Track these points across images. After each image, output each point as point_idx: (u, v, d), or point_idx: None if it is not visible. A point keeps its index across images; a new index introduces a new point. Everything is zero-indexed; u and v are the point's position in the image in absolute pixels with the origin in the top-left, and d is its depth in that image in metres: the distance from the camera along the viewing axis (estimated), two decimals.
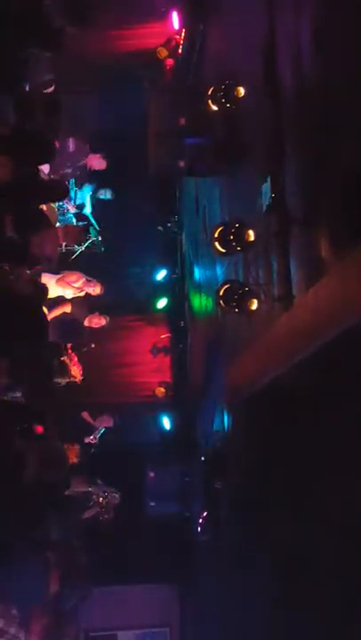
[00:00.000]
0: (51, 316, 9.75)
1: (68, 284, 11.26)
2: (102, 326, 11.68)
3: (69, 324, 10.54)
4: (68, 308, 10.72)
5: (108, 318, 11.70)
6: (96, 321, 11.49)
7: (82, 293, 11.46)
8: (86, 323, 11.22)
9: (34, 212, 6.17)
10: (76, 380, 11.17)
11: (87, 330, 11.36)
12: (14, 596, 5.91)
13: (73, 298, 11.24)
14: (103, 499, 10.46)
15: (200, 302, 11.29)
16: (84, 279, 11.44)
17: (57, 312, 10.50)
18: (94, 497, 10.53)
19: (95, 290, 11.55)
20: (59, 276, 11.15)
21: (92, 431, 11.65)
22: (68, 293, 11.35)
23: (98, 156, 12.27)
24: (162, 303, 13.65)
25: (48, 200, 9.38)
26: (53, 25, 7.58)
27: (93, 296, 11.65)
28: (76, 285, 11.35)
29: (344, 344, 4.10)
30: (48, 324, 7.29)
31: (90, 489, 10.37)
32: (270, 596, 6.50)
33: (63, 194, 9.47)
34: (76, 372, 11.16)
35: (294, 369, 5.18)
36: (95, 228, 12.78)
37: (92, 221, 12.78)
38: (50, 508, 6.69)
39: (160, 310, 13.76)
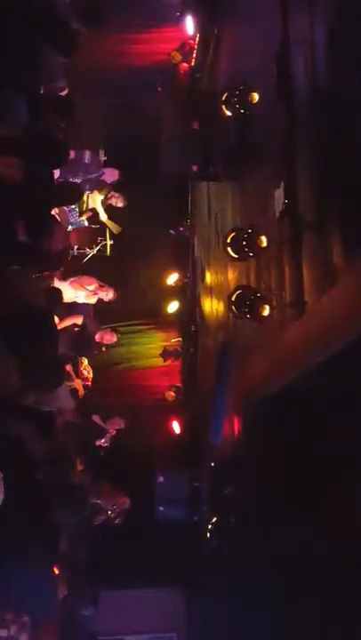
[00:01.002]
0: (60, 326, 9.77)
1: (82, 285, 11.29)
2: (113, 343, 11.76)
3: (80, 337, 10.56)
4: (78, 320, 10.75)
5: (119, 335, 11.76)
6: (108, 337, 11.58)
7: (94, 298, 11.50)
8: (97, 338, 11.25)
9: (45, 216, 6.17)
10: (79, 393, 11.23)
11: (98, 345, 11.40)
12: (25, 601, 5.91)
13: (84, 307, 11.29)
14: (112, 512, 10.46)
15: (211, 307, 11.28)
16: (97, 284, 11.48)
17: (67, 323, 10.52)
18: (103, 510, 10.53)
19: (108, 295, 11.60)
20: (73, 279, 11.19)
21: (104, 434, 11.67)
22: (81, 296, 11.38)
23: (111, 169, 12.31)
24: (173, 307, 13.66)
25: (60, 204, 9.40)
26: (69, 29, 7.58)
27: (105, 301, 11.69)
28: (89, 288, 11.38)
29: (356, 350, 4.09)
30: (58, 333, 7.29)
31: (99, 501, 10.37)
32: (278, 601, 6.48)
33: (76, 197, 9.48)
34: (79, 385, 11.22)
35: (306, 375, 5.16)
36: (114, 232, 12.81)
37: (111, 226, 12.81)
38: (61, 511, 6.68)
39: (171, 314, 13.78)
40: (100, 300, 11.65)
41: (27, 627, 5.67)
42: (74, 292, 11.28)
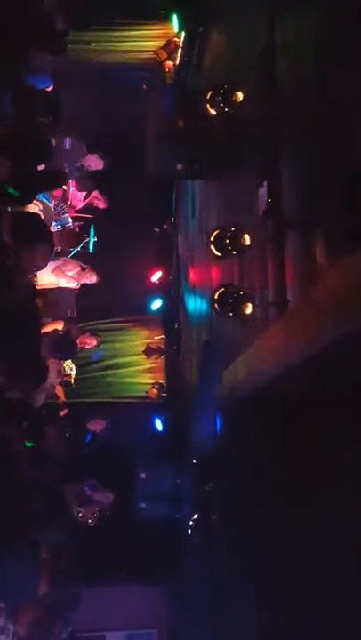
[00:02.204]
0: (43, 330, 9.79)
1: (64, 272, 11.30)
2: (94, 347, 11.79)
3: (62, 341, 10.57)
4: (60, 326, 10.76)
5: (99, 338, 11.78)
6: (89, 341, 11.59)
7: (76, 283, 11.51)
8: (79, 342, 11.27)
9: (31, 216, 6.17)
10: (59, 399, 11.25)
11: (79, 349, 11.41)
12: (5, 592, 5.92)
13: (67, 302, 11.30)
14: (92, 520, 10.48)
15: (195, 304, 11.30)
16: (79, 268, 11.50)
17: (48, 328, 10.53)
18: (85, 517, 10.53)
19: (91, 279, 11.61)
20: (55, 265, 11.18)
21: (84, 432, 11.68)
22: (62, 282, 11.39)
23: (95, 156, 12.31)
24: (157, 304, 13.68)
25: (45, 189, 9.38)
26: (54, 27, 7.59)
27: (89, 284, 11.69)
28: (70, 274, 11.39)
29: (338, 350, 4.11)
30: (41, 335, 7.30)
31: (80, 509, 10.38)
32: (260, 599, 6.51)
33: (60, 181, 9.47)
34: (60, 391, 11.24)
35: (288, 373, 5.19)
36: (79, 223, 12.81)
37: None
38: (45, 507, 6.70)
39: (155, 312, 13.79)
40: (83, 286, 11.67)
41: (2, 611, 5.70)
42: (55, 278, 11.29)
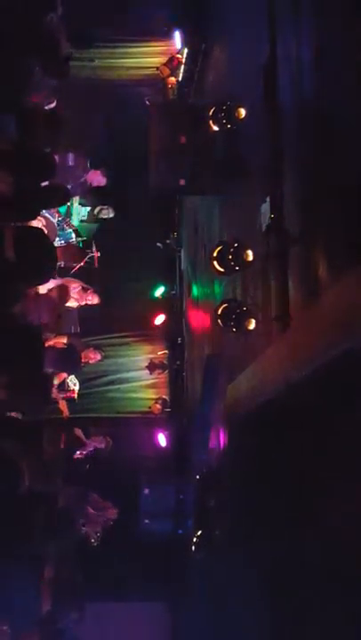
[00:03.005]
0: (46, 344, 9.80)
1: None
2: (98, 361, 11.78)
3: (66, 353, 10.58)
4: (63, 340, 10.78)
5: (103, 353, 11.78)
6: (92, 355, 11.59)
7: (77, 303, 11.52)
8: (82, 357, 11.27)
9: (35, 231, 6.19)
10: (63, 414, 11.24)
11: (82, 364, 11.41)
12: (7, 612, 5.90)
13: (70, 319, 11.32)
14: (95, 540, 10.45)
15: (198, 320, 11.30)
16: (80, 288, 11.49)
17: (52, 342, 10.54)
18: (87, 533, 10.51)
19: (93, 300, 11.62)
20: (57, 282, 11.18)
21: (82, 447, 11.64)
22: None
23: (98, 172, 12.34)
24: (160, 319, 13.67)
25: (47, 205, 9.40)
26: (59, 51, 7.64)
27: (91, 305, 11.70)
28: (73, 296, 11.40)
29: (340, 365, 4.11)
30: (44, 349, 7.30)
31: (84, 528, 10.35)
32: (264, 616, 6.48)
33: (62, 198, 9.49)
34: (64, 406, 11.23)
35: (291, 389, 5.19)
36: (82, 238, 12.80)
37: (82, 232, 12.79)
38: (45, 523, 6.68)
39: (158, 327, 13.79)
40: (85, 305, 11.68)
41: (6, 636, 5.68)
42: None
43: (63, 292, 10.46)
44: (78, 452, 11.56)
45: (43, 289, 10.43)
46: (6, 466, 5.81)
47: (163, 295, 13.80)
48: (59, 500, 8.40)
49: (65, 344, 10.79)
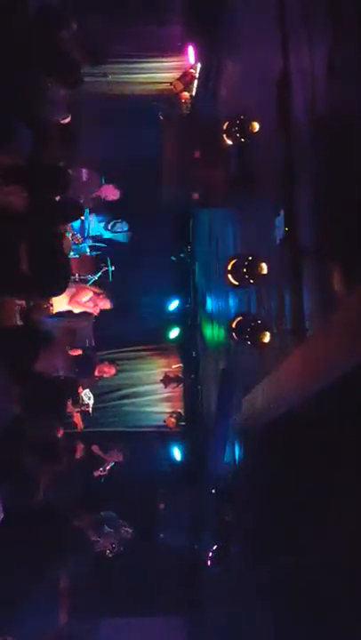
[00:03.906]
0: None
1: (79, 303, 11.36)
2: (112, 375, 11.81)
3: (81, 359, 10.62)
4: (79, 350, 10.83)
5: (117, 367, 11.80)
6: (106, 370, 11.61)
7: (94, 312, 11.56)
8: (97, 373, 11.30)
9: (49, 245, 6.22)
10: (78, 427, 11.25)
11: (97, 378, 11.45)
12: (22, 625, 5.90)
13: (85, 332, 11.37)
14: (110, 551, 10.43)
15: (212, 333, 11.30)
16: (92, 294, 11.53)
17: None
18: (103, 548, 10.49)
19: (105, 305, 11.65)
20: (70, 295, 11.22)
21: (102, 464, 11.66)
22: (77, 310, 11.46)
23: (111, 186, 12.40)
24: (174, 333, 13.69)
25: (63, 221, 9.45)
26: (72, 63, 7.68)
27: (108, 313, 11.74)
28: (85, 302, 11.45)
29: (357, 378, 4.10)
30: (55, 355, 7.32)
31: (99, 539, 10.34)
32: (280, 630, 6.45)
33: (77, 213, 9.53)
34: (79, 420, 11.25)
35: (307, 402, 5.17)
36: (123, 244, 12.88)
37: (119, 238, 12.87)
38: (62, 538, 6.68)
39: (172, 340, 13.80)
40: (100, 315, 11.72)
41: None
42: (72, 309, 11.34)
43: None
44: (101, 470, 11.58)
45: (57, 306, 10.50)
46: (22, 478, 5.81)
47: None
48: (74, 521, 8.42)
49: (81, 354, 10.84)
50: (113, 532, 10.46)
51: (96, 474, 11.53)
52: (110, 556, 10.50)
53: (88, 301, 11.51)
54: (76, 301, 11.34)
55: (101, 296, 11.71)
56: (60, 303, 10.89)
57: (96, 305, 11.62)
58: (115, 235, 12.99)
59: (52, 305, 10.53)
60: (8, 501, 5.32)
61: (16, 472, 5.77)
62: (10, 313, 7.23)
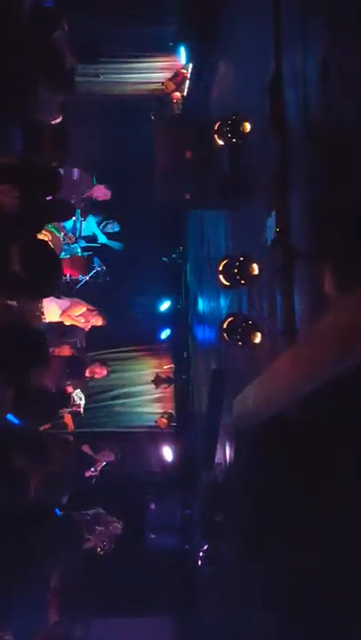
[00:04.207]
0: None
1: (71, 317, 11.37)
2: (104, 376, 11.81)
3: (72, 360, 10.62)
4: (67, 352, 10.82)
5: (109, 368, 11.80)
6: (98, 371, 11.61)
7: (85, 327, 11.57)
8: (88, 373, 11.30)
9: (40, 244, 6.20)
10: (69, 428, 11.25)
11: (88, 379, 11.45)
12: (14, 623, 5.89)
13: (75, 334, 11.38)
14: (101, 548, 10.41)
15: (203, 334, 11.31)
16: (85, 309, 11.54)
17: (57, 352, 10.57)
18: (92, 542, 10.47)
19: (97, 321, 11.67)
20: (63, 309, 11.25)
21: (93, 464, 11.65)
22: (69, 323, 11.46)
23: (102, 186, 12.39)
24: (165, 334, 13.69)
25: (53, 220, 9.44)
26: (65, 66, 7.67)
27: (96, 326, 11.74)
28: (78, 317, 11.46)
29: (347, 380, 4.11)
30: (50, 360, 7.32)
31: (90, 537, 10.33)
32: (271, 630, 6.45)
33: (68, 213, 9.53)
34: (70, 420, 11.25)
35: (297, 403, 5.18)
36: (115, 252, 12.89)
37: (114, 245, 12.89)
38: (52, 535, 6.67)
39: (164, 341, 13.80)
40: (91, 327, 11.73)
41: None
42: (62, 321, 11.35)
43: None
44: (92, 470, 11.58)
45: (49, 317, 10.50)
46: (11, 477, 5.80)
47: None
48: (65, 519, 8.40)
49: (70, 355, 10.83)
50: (103, 529, 10.44)
51: (87, 474, 11.52)
52: (102, 553, 10.49)
53: (79, 316, 11.52)
54: (67, 315, 11.36)
55: (94, 312, 11.72)
56: (51, 314, 10.92)
57: (88, 321, 11.64)
58: (110, 242, 12.99)
59: (43, 314, 10.55)
60: None
61: (6, 472, 5.76)
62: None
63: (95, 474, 11.64)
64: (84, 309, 11.58)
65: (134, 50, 11.83)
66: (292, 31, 5.73)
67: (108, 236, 13.01)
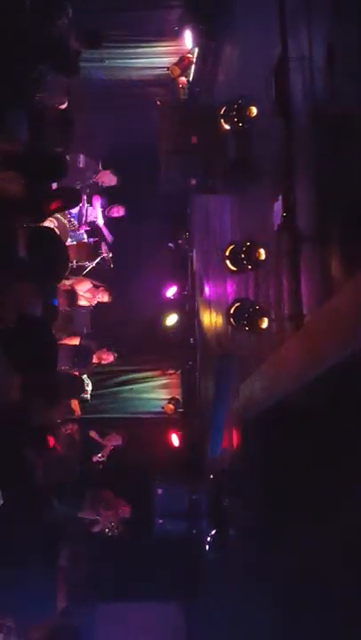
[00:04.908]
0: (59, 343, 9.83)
1: (78, 293, 11.35)
2: (110, 362, 11.80)
3: (79, 350, 10.62)
4: (76, 341, 10.81)
5: (116, 354, 11.80)
6: (105, 357, 11.61)
7: (89, 302, 11.56)
8: (95, 359, 11.29)
9: (46, 231, 6.20)
10: (75, 414, 11.25)
11: (95, 365, 11.44)
12: (22, 608, 5.92)
13: (81, 322, 11.37)
14: (109, 529, 10.45)
15: (210, 319, 11.29)
16: (91, 286, 11.53)
17: (64, 341, 10.57)
18: (101, 524, 10.51)
19: (103, 297, 11.66)
20: (68, 284, 11.22)
21: (101, 449, 11.67)
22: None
23: (108, 172, 12.36)
24: (172, 320, 13.67)
25: (62, 208, 9.42)
26: (69, 50, 7.65)
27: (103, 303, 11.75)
28: (84, 294, 11.45)
29: (354, 364, 4.10)
30: (58, 348, 7.31)
31: (98, 517, 10.36)
32: (279, 615, 6.47)
33: (75, 200, 9.50)
34: (76, 406, 11.26)
35: (304, 388, 5.17)
36: (107, 242, 12.85)
37: (105, 233, 12.86)
38: (60, 520, 6.69)
39: (170, 327, 13.78)
40: (97, 303, 11.73)
41: (12, 632, 5.68)
42: None
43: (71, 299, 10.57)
44: (99, 455, 11.60)
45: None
46: (19, 462, 5.82)
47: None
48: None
49: (78, 344, 10.83)
50: (112, 513, 10.49)
51: (95, 459, 11.54)
52: (110, 535, 10.53)
53: (86, 292, 11.51)
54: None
55: (100, 288, 11.71)
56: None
57: (93, 297, 11.62)
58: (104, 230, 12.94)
59: None
60: (6, 486, 5.32)
61: (13, 457, 5.77)
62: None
63: (103, 459, 11.66)
64: (89, 285, 11.59)
65: (139, 34, 11.77)
66: (298, 14, 5.70)
67: (108, 221, 12.97)
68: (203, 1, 10.52)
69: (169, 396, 13.53)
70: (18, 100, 6.78)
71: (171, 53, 12.08)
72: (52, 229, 8.04)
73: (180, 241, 13.89)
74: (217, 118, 7.77)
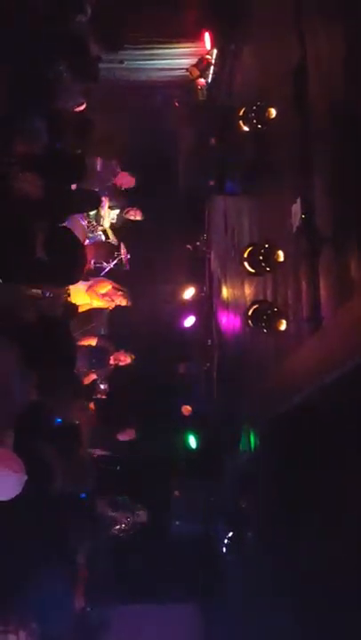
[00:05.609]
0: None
1: (96, 293, 11.36)
2: (128, 364, 11.79)
3: (96, 351, 10.61)
4: (93, 342, 10.81)
5: (133, 356, 11.78)
6: (122, 358, 11.60)
7: (108, 304, 11.56)
8: (112, 360, 11.28)
9: (64, 231, 6.21)
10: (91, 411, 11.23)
11: (112, 366, 11.42)
12: (39, 609, 5.92)
13: (98, 324, 11.37)
14: (126, 525, 10.44)
15: (228, 321, 11.29)
16: (111, 287, 11.54)
17: (82, 343, 10.58)
18: (117, 522, 10.50)
19: (122, 301, 11.67)
20: (88, 284, 11.24)
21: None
22: (95, 303, 11.46)
23: (126, 173, 12.38)
24: (190, 322, 13.68)
25: (79, 210, 9.43)
26: (88, 55, 7.66)
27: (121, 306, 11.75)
28: (102, 292, 11.46)
29: None
30: (76, 349, 7.33)
31: (114, 514, 10.35)
32: (296, 616, 6.46)
33: (94, 203, 9.51)
34: (92, 408, 11.25)
35: (323, 390, 5.16)
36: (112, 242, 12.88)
37: (111, 235, 12.87)
38: (78, 521, 6.70)
39: (187, 328, 13.79)
40: (116, 307, 11.74)
41: (35, 633, 5.69)
42: (89, 298, 11.36)
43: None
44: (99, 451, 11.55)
45: (74, 294, 10.49)
46: (39, 465, 5.83)
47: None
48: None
49: (96, 345, 10.83)
50: (129, 516, 10.48)
51: (95, 455, 11.44)
52: (124, 535, 10.51)
53: (105, 295, 11.52)
54: (93, 291, 11.35)
55: (120, 292, 11.72)
56: (77, 294, 10.90)
57: (112, 300, 11.63)
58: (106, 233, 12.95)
59: (69, 296, 10.54)
60: (27, 487, 5.33)
61: (33, 458, 5.78)
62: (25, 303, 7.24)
63: (103, 456, 11.59)
64: (109, 287, 11.59)
65: (158, 36, 11.78)
66: (315, 16, 5.70)
67: (123, 227, 12.98)
68: (222, 3, 10.51)
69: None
70: (37, 102, 6.80)
71: (189, 55, 12.08)
72: (70, 230, 8.07)
73: (197, 242, 13.90)
74: (236, 120, 7.77)
